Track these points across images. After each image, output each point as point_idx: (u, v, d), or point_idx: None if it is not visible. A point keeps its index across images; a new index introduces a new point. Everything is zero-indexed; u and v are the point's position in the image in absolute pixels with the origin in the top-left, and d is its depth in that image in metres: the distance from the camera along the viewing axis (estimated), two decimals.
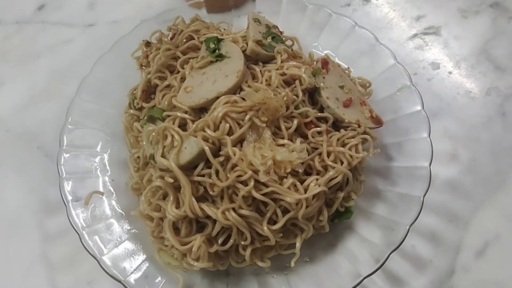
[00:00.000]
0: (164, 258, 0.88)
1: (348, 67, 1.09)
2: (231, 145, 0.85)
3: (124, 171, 1.03)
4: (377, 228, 0.94)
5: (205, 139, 0.86)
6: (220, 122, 0.87)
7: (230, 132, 0.87)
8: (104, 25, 1.37)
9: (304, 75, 0.96)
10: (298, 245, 0.89)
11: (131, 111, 1.04)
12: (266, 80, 0.95)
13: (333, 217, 0.94)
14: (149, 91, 1.03)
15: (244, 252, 0.88)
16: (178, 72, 1.01)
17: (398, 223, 0.92)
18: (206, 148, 0.84)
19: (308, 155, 0.90)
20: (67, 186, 0.95)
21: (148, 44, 1.11)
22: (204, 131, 0.87)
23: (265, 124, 0.88)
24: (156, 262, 0.90)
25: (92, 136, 1.04)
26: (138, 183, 0.98)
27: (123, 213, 0.97)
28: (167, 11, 1.17)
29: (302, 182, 0.89)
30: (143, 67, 1.09)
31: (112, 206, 0.97)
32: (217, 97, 0.90)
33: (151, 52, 1.07)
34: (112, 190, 0.99)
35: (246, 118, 0.87)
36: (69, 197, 0.93)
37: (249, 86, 0.93)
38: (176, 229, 0.88)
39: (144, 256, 0.90)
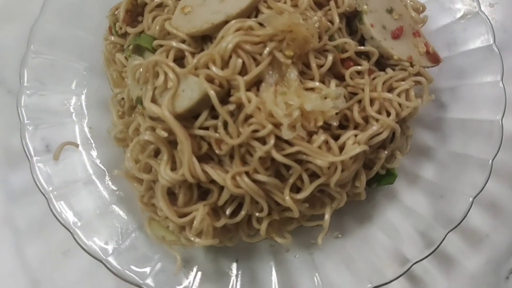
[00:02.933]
0: (156, 231, 0.71)
1: None
2: (245, 89, 0.65)
3: (105, 115, 0.83)
4: (425, 196, 0.77)
5: (210, 79, 0.66)
6: (230, 57, 0.66)
7: (243, 71, 0.66)
8: None
9: None
10: (327, 217, 0.72)
11: (112, 37, 0.82)
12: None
13: (371, 181, 0.76)
14: (135, 12, 0.81)
15: (259, 225, 0.71)
16: None
17: (453, 190, 0.75)
18: (211, 92, 0.64)
19: (346, 102, 0.71)
20: (31, 135, 0.76)
21: None
22: (209, 68, 0.66)
23: (290, 60, 0.67)
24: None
25: (64, 70, 0.84)
26: (123, 132, 0.78)
27: (105, 169, 0.79)
28: None
29: (336, 138, 0.70)
30: None
31: (91, 160, 0.79)
32: (226, 22, 0.68)
33: None
34: (91, 140, 0.81)
35: (265, 51, 0.66)
36: (32, 150, 0.74)
37: (269, 7, 0.70)
38: (172, 195, 0.70)
39: (133, 226, 0.73)
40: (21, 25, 0.98)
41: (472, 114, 0.80)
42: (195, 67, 0.67)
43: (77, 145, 0.78)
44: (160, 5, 0.78)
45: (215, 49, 0.67)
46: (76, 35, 0.86)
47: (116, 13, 0.82)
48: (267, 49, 0.66)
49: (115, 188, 0.77)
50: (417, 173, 0.79)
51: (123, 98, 0.80)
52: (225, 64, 0.67)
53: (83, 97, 0.83)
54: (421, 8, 0.83)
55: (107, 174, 0.78)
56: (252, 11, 0.71)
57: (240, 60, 0.66)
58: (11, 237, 0.85)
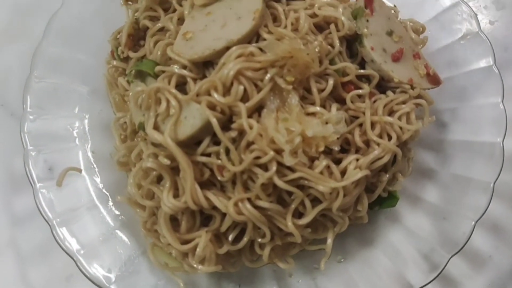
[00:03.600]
0: (159, 257, 0.71)
1: (394, 6, 0.86)
2: (247, 115, 0.65)
3: (108, 138, 0.83)
4: (428, 218, 0.77)
5: (212, 106, 0.66)
6: (232, 83, 0.66)
7: (245, 97, 0.67)
8: None
9: (342, 17, 0.74)
10: (329, 241, 0.72)
11: (114, 62, 0.83)
12: (292, 23, 0.73)
13: (373, 204, 0.76)
14: (137, 36, 0.82)
15: (261, 251, 0.71)
16: (175, 10, 0.79)
17: (455, 213, 0.75)
18: (213, 120, 0.64)
19: (347, 126, 0.71)
20: (34, 161, 0.77)
21: None
22: (210, 95, 0.66)
23: (291, 86, 0.67)
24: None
25: (67, 94, 0.84)
26: (126, 156, 0.79)
27: (108, 194, 0.79)
28: None
29: (337, 162, 0.70)
30: (129, 2, 0.86)
31: (94, 185, 0.79)
32: (227, 48, 0.69)
33: None
34: (94, 165, 0.81)
35: (267, 77, 0.66)
36: (36, 176, 0.75)
37: (269, 33, 0.71)
38: (174, 221, 0.70)
39: (136, 252, 0.74)
40: (24, 46, 1.00)
41: (473, 135, 0.80)
42: (197, 93, 0.67)
43: (80, 170, 0.78)
44: (162, 29, 0.79)
45: (216, 75, 0.67)
46: (78, 58, 0.86)
47: (118, 37, 0.83)
48: (268, 75, 0.66)
49: (118, 213, 0.78)
50: (419, 195, 0.79)
51: (125, 122, 0.81)
52: (226, 91, 0.67)
53: (86, 121, 0.84)
54: (421, 29, 0.83)
55: (110, 199, 0.78)
56: (253, 37, 0.71)
57: (241, 87, 0.66)
58: (15, 261, 0.85)
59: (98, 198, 0.78)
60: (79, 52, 0.86)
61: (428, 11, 0.85)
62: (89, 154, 0.82)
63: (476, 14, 0.84)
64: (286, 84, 0.67)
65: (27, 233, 0.86)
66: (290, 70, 0.67)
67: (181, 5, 0.78)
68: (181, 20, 0.77)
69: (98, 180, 0.80)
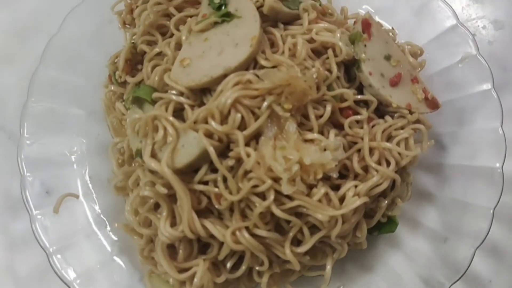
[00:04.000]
0: (157, 285, 0.71)
1: (392, 28, 0.86)
2: (244, 143, 0.65)
3: (105, 162, 0.83)
4: (427, 242, 0.77)
5: (209, 134, 0.66)
6: (229, 111, 0.66)
7: (242, 125, 0.67)
8: None
9: (339, 42, 0.74)
10: (328, 268, 0.72)
11: (112, 87, 0.82)
12: (289, 49, 0.73)
13: (372, 229, 0.76)
14: (134, 60, 0.82)
15: (260, 279, 0.71)
16: (172, 35, 0.79)
17: (456, 239, 0.74)
18: (211, 149, 0.64)
19: (345, 152, 0.71)
20: (31, 188, 0.77)
21: None
22: (208, 123, 0.66)
23: (289, 114, 0.67)
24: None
25: (64, 118, 0.84)
26: (124, 181, 0.79)
27: (105, 220, 0.78)
28: None
29: (336, 188, 0.70)
30: (127, 26, 0.87)
31: (91, 210, 0.79)
32: (225, 75, 0.69)
33: (137, 6, 0.84)
34: (91, 190, 0.81)
35: (264, 105, 0.66)
36: (33, 204, 0.75)
37: (266, 59, 0.71)
38: (172, 248, 0.70)
39: (134, 279, 0.73)
40: (21, 68, 1.00)
41: (472, 159, 0.80)
42: (195, 121, 0.67)
43: (77, 196, 0.78)
44: (159, 54, 0.79)
45: (214, 103, 0.67)
46: (75, 82, 0.87)
47: (115, 61, 0.83)
48: (266, 103, 0.66)
49: (116, 239, 0.77)
50: (419, 219, 0.79)
51: (123, 147, 0.80)
52: (224, 118, 0.67)
53: (83, 144, 0.84)
54: (419, 51, 0.83)
55: (108, 225, 0.78)
56: (250, 63, 0.71)
57: (239, 115, 0.66)
58: (11, 286, 0.85)
59: (95, 224, 0.78)
60: (77, 76, 0.87)
61: (426, 33, 0.86)
62: (87, 178, 0.82)
63: (474, 36, 0.85)
64: (284, 112, 0.67)
65: (24, 257, 0.86)
66: (288, 97, 0.67)
67: (178, 30, 0.78)
68: (178, 45, 0.77)
69: (95, 205, 0.80)
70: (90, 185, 0.81)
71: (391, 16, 0.89)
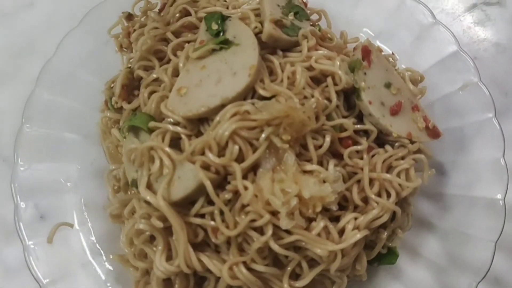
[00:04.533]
0: None
1: (392, 54, 0.85)
2: (241, 176, 0.64)
3: (101, 187, 0.82)
4: (428, 272, 0.76)
5: (206, 166, 0.65)
6: (227, 143, 0.65)
7: (240, 157, 0.66)
8: None
9: (339, 71, 0.73)
10: None
11: (108, 113, 0.81)
12: (288, 77, 0.73)
13: (372, 260, 0.75)
14: (131, 85, 0.81)
15: None
16: (169, 60, 0.78)
17: (458, 270, 0.73)
18: (207, 183, 0.63)
19: (344, 182, 0.70)
20: (25, 213, 0.76)
21: (130, 17, 0.87)
22: (205, 154, 0.65)
23: (287, 145, 0.66)
24: None
25: (59, 142, 0.84)
26: (119, 208, 0.77)
27: (100, 249, 0.77)
28: None
29: (335, 219, 0.69)
30: (124, 49, 0.86)
31: (86, 239, 0.78)
32: (222, 105, 0.68)
33: (134, 29, 0.83)
34: (86, 217, 0.79)
35: (262, 137, 0.65)
36: (25, 232, 0.74)
37: (265, 89, 0.70)
38: (168, 280, 0.69)
39: None
40: (17, 89, 0.99)
41: (473, 188, 0.79)
42: (192, 152, 0.66)
43: (71, 225, 0.77)
44: (156, 79, 0.78)
45: (211, 134, 0.66)
46: (71, 105, 0.86)
47: (112, 86, 0.82)
48: (264, 134, 0.65)
49: (111, 268, 0.76)
50: (419, 249, 0.78)
51: (119, 173, 0.79)
52: (221, 149, 0.66)
53: (78, 170, 0.83)
54: (419, 78, 0.82)
55: (103, 254, 0.77)
56: (248, 93, 0.70)
57: (236, 147, 0.65)
58: None
59: (91, 254, 0.76)
60: (72, 99, 0.86)
61: (427, 59, 0.85)
62: (82, 205, 0.81)
63: (475, 59, 0.84)
64: (282, 143, 0.66)
65: (17, 285, 0.85)
66: (286, 128, 0.66)
67: (175, 55, 0.78)
68: (176, 71, 0.76)
69: (91, 234, 0.78)
70: (85, 213, 0.79)
71: (391, 40, 0.89)
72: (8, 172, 0.82)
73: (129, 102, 0.79)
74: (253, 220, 0.64)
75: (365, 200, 0.71)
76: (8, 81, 1.00)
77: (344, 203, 0.71)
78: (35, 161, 0.80)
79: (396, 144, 0.74)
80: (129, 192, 0.78)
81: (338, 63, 0.74)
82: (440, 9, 1.01)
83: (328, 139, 0.70)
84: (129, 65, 0.82)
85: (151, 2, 0.87)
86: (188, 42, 0.78)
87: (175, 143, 0.70)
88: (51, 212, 0.79)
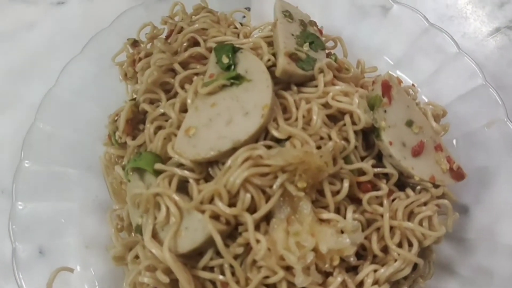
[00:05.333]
0: None
1: (413, 85, 0.81)
2: (254, 227, 0.60)
3: (103, 224, 0.78)
4: None
5: (215, 216, 0.61)
6: (238, 190, 0.61)
7: (252, 205, 0.61)
8: (77, 4, 1.06)
9: (358, 110, 0.68)
10: None
11: (112, 150, 0.77)
12: (303, 116, 0.68)
13: None
14: (136, 119, 0.76)
15: None
16: (176, 93, 0.73)
17: None
18: (217, 238, 0.59)
19: (362, 230, 0.66)
20: (23, 256, 0.72)
21: (135, 43, 0.83)
22: (214, 203, 0.61)
23: (303, 193, 0.62)
24: None
25: (59, 179, 0.79)
26: (122, 251, 0.73)
27: None
28: None
29: (352, 269, 0.65)
30: (129, 79, 0.82)
31: (89, 284, 0.73)
32: (234, 148, 0.63)
33: (139, 58, 0.79)
34: (88, 260, 0.75)
35: (276, 184, 0.61)
36: (23, 277, 0.70)
37: (278, 129, 0.66)
38: None
39: None
40: (16, 115, 0.95)
41: (497, 231, 0.74)
42: (201, 201, 0.62)
43: (72, 270, 0.72)
44: (163, 114, 0.74)
45: (221, 181, 0.62)
46: (72, 136, 0.82)
47: (116, 119, 0.78)
48: (278, 181, 0.61)
49: None
50: None
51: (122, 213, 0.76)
52: (232, 197, 0.62)
53: (79, 207, 0.78)
54: (442, 112, 0.78)
55: None
56: (261, 134, 0.66)
57: (248, 195, 0.61)
58: None
59: None
60: (73, 130, 0.82)
61: (450, 91, 0.80)
62: (83, 244, 0.77)
63: (498, 91, 0.79)
64: (298, 191, 0.62)
65: None
66: (302, 175, 0.62)
67: (183, 88, 0.73)
68: (183, 105, 0.72)
69: (92, 275, 0.74)
70: (87, 254, 0.75)
71: (411, 69, 0.84)
72: (6, 205, 0.78)
73: (134, 137, 0.75)
74: (266, 276, 0.60)
75: (385, 249, 0.67)
76: (8, 107, 0.96)
77: (362, 252, 0.67)
78: (34, 199, 0.76)
79: (418, 187, 0.70)
80: (132, 234, 0.74)
81: (356, 100, 0.69)
82: (462, 33, 0.96)
83: (346, 184, 0.66)
84: (134, 96, 0.79)
85: (157, 28, 0.83)
86: (197, 74, 0.74)
87: (183, 185, 0.67)
88: (51, 253, 0.74)
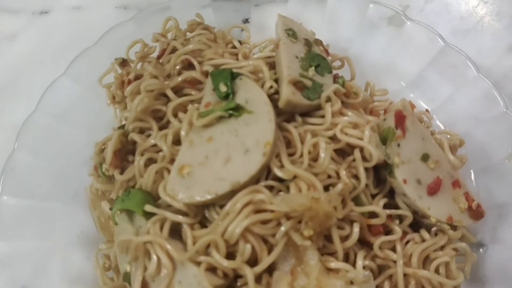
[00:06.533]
0: None
1: (427, 110, 0.75)
2: (254, 281, 0.55)
3: (89, 260, 0.73)
4: None
5: (212, 268, 0.55)
6: (237, 241, 0.55)
7: (252, 256, 0.56)
8: (62, 12, 0.99)
9: (369, 146, 0.62)
10: None
11: (98, 184, 0.71)
12: (309, 151, 0.62)
13: None
14: (124, 149, 0.70)
15: None
16: (168, 122, 0.67)
17: None
18: None
19: (374, 278, 0.60)
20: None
21: (124, 63, 0.76)
22: (210, 253, 0.55)
23: (310, 242, 0.56)
24: None
25: (41, 213, 0.73)
26: None
27: None
28: (152, 6, 0.80)
29: None
30: (117, 102, 0.75)
31: None
32: (232, 191, 0.58)
33: (128, 79, 0.73)
34: None
35: (279, 233, 0.56)
36: None
37: (281, 168, 0.60)
38: None
39: None
40: None
41: None
42: (196, 251, 0.56)
43: None
44: (154, 145, 0.68)
45: (218, 230, 0.56)
46: (56, 166, 0.76)
47: (102, 149, 0.72)
48: (282, 229, 0.56)
49: None
50: None
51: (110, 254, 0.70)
52: (230, 246, 0.57)
53: (65, 243, 0.73)
54: (459, 142, 0.72)
55: None
56: (262, 173, 0.61)
57: (249, 246, 0.55)
58: None
59: None
60: (56, 159, 0.77)
61: (468, 119, 0.75)
62: (69, 281, 0.72)
63: None
64: (304, 240, 0.56)
65: None
66: (308, 222, 0.56)
67: (176, 116, 0.67)
68: (176, 136, 0.66)
69: None
70: None
71: (425, 93, 0.79)
72: None
73: (123, 170, 0.69)
74: None
75: None
76: None
77: None
78: (15, 237, 0.71)
79: (434, 229, 0.65)
80: (120, 278, 0.69)
81: (367, 133, 0.63)
82: (477, 49, 0.89)
83: (356, 229, 0.60)
84: (123, 122, 0.73)
85: (148, 46, 0.77)
86: (192, 101, 0.68)
87: (176, 227, 0.61)
88: None
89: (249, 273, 0.55)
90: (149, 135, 0.69)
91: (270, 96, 0.65)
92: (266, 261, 0.55)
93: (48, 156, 0.76)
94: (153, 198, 0.64)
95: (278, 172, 0.60)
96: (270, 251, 0.57)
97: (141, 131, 0.70)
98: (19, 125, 0.76)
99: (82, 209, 0.77)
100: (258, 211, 0.56)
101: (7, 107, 0.90)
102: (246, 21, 0.91)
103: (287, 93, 0.63)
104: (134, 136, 0.68)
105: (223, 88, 0.65)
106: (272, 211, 0.56)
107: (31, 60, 0.93)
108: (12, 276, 0.70)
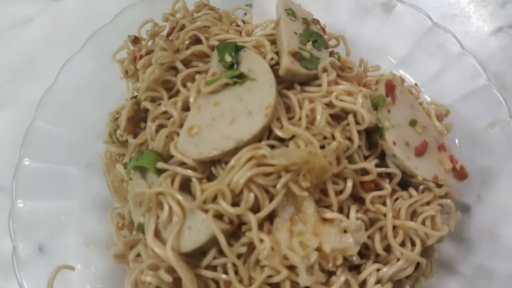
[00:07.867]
0: None
1: (416, 84, 0.82)
2: (257, 227, 0.61)
3: (104, 222, 0.79)
4: None
5: (219, 215, 0.62)
6: (241, 190, 0.62)
7: (255, 204, 0.62)
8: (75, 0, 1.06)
9: (362, 110, 0.69)
10: None
11: (113, 148, 0.78)
12: (307, 115, 0.69)
13: None
14: (137, 117, 0.77)
15: None
16: (178, 91, 0.74)
17: None
18: (221, 237, 0.60)
19: (365, 229, 0.67)
20: (24, 254, 0.73)
21: (136, 40, 0.83)
22: (217, 203, 0.62)
23: (307, 193, 0.63)
24: None
25: (59, 177, 0.80)
26: (123, 250, 0.74)
27: None
28: None
29: (354, 268, 0.66)
30: (130, 76, 0.82)
31: (90, 282, 0.74)
32: (237, 148, 0.64)
33: (140, 55, 0.80)
34: (89, 258, 0.76)
35: (280, 184, 0.62)
36: (24, 276, 0.71)
37: (282, 129, 0.67)
38: None
39: None
40: (15, 113, 0.96)
41: (499, 231, 0.76)
42: (204, 200, 0.63)
43: (73, 268, 0.73)
44: (165, 112, 0.75)
45: (224, 181, 0.63)
46: (72, 135, 0.83)
47: (117, 117, 0.79)
48: (282, 181, 0.62)
49: None
50: None
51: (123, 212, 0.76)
52: (235, 196, 0.63)
53: (80, 205, 0.79)
54: (445, 112, 0.79)
55: None
56: (264, 133, 0.67)
57: (252, 195, 0.62)
58: None
59: None
60: (73, 129, 0.83)
61: (453, 91, 0.82)
62: (84, 243, 0.78)
63: (501, 91, 0.80)
64: (301, 191, 0.63)
65: None
66: (306, 175, 0.63)
67: (185, 86, 0.74)
68: (185, 104, 0.72)
69: (93, 274, 0.75)
70: (87, 253, 0.76)
71: (414, 69, 0.85)
72: (5, 202, 0.79)
73: (135, 135, 0.76)
74: (269, 276, 0.61)
75: (388, 248, 0.68)
76: (7, 105, 0.96)
77: (365, 251, 0.68)
78: (34, 197, 0.77)
79: (421, 187, 0.71)
80: (134, 232, 0.75)
81: (360, 100, 0.70)
82: (464, 32, 0.97)
83: (350, 184, 0.67)
84: (135, 94, 0.79)
85: (158, 25, 0.84)
86: (199, 72, 0.75)
87: (185, 184, 0.67)
88: (51, 251, 0.76)
89: (253, 219, 0.61)
90: (160, 104, 0.76)
91: (271, 67, 0.72)
92: (267, 208, 0.62)
93: (65, 126, 0.82)
94: (163, 159, 0.70)
95: (279, 132, 0.67)
96: (271, 200, 0.63)
97: (153, 100, 0.76)
98: (35, 102, 0.83)
99: (96, 177, 0.83)
100: (260, 165, 0.63)
101: (25, 86, 0.97)
102: (249, 6, 0.98)
103: (287, 62, 0.70)
104: (147, 104, 0.75)
105: (228, 58, 0.71)
106: (273, 165, 0.63)
107: (45, 43, 1.00)
108: (30, 235, 0.76)
